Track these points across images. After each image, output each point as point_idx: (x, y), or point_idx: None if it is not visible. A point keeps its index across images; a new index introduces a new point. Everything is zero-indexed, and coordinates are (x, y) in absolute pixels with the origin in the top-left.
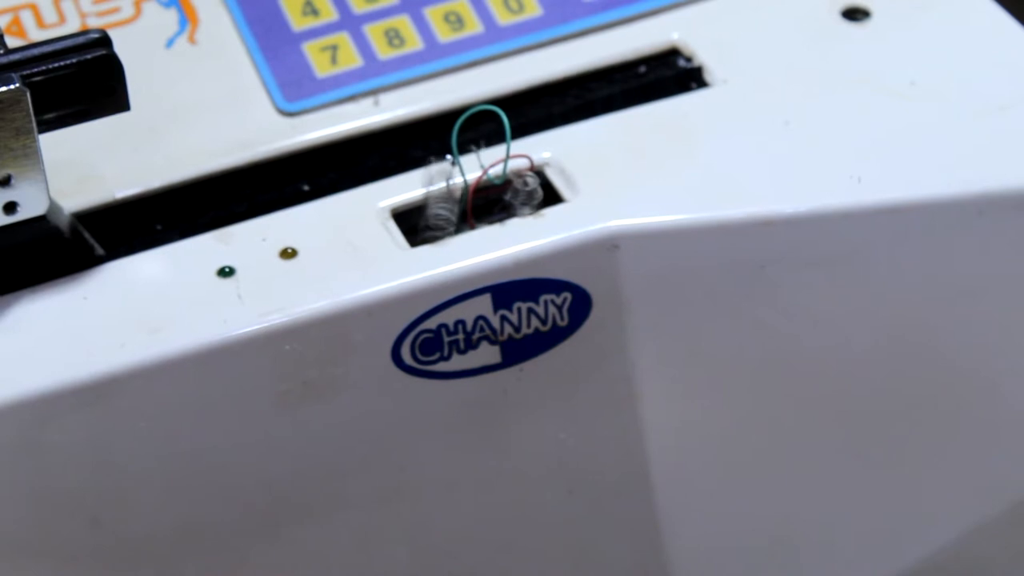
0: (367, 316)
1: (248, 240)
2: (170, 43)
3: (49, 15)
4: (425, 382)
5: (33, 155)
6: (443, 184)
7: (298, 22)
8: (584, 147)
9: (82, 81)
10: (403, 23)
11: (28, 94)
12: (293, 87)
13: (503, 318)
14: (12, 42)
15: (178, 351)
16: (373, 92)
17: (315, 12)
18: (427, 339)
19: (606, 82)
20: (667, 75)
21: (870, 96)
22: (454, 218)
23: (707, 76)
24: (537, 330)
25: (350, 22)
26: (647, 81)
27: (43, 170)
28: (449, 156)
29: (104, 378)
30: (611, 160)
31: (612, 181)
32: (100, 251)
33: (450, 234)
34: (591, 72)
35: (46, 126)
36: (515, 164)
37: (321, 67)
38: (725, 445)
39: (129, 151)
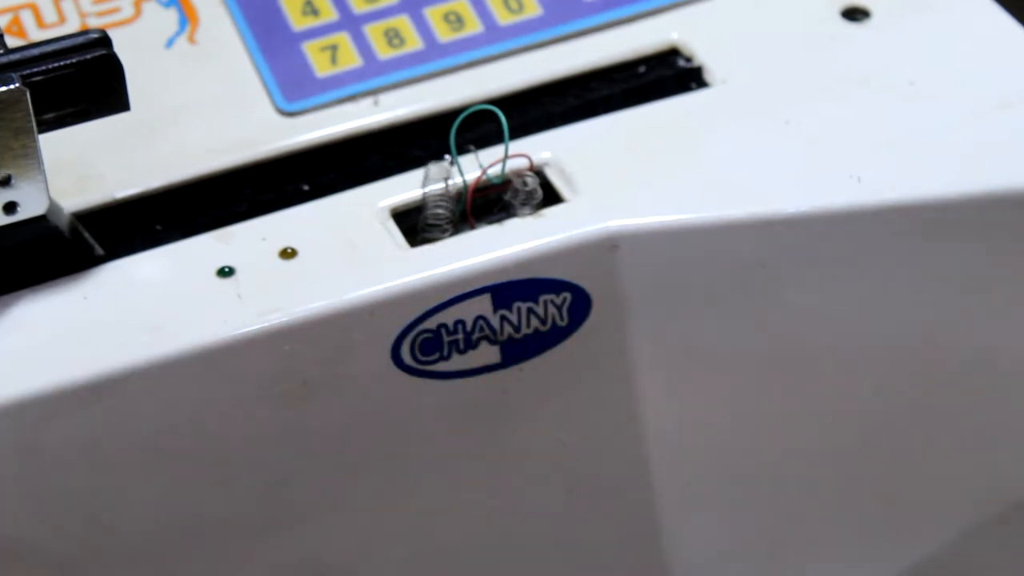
0: (367, 316)
1: (248, 240)
2: (170, 43)
3: (49, 15)
4: (425, 382)
5: (33, 155)
6: (443, 184)
7: (298, 22)
8: (584, 147)
9: (82, 81)
10: (403, 23)
11: (28, 94)
12: (293, 87)
13: (503, 318)
14: (12, 42)
15: (178, 351)
16: (373, 92)
17: (315, 12)
18: (427, 339)
19: (606, 82)
20: (667, 75)
21: (870, 96)
22: (454, 218)
23: (707, 76)
24: (537, 330)
25: (350, 22)
26: (647, 81)
27: (43, 170)
28: (448, 156)
29: (104, 378)
30: (611, 160)
31: (612, 181)
32: (100, 251)
33: (450, 234)
34: (591, 72)
35: (46, 126)
36: (515, 164)
37: (321, 67)
38: (725, 445)
39: (129, 151)
